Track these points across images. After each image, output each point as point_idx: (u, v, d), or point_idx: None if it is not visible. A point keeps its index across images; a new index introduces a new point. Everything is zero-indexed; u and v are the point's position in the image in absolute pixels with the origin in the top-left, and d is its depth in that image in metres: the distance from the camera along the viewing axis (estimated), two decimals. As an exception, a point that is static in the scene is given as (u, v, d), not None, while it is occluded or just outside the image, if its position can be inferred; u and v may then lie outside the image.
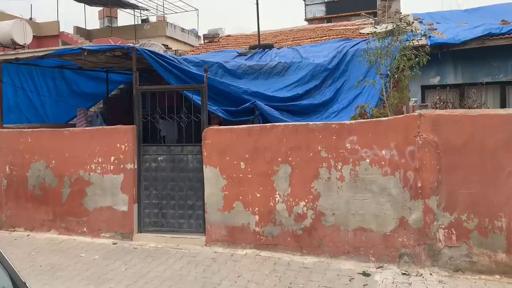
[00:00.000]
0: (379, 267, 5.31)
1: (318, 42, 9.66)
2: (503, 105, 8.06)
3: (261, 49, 9.30)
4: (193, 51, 11.90)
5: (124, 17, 61.32)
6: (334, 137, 5.64)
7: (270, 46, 9.49)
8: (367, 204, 5.47)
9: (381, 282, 4.90)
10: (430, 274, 5.07)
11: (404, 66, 6.28)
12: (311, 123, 5.90)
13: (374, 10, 11.69)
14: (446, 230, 5.13)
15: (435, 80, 8.24)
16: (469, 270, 5.04)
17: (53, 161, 7.18)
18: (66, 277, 5.32)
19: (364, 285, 4.85)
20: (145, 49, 6.97)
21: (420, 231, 5.23)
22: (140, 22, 24.73)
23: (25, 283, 2.04)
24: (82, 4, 23.25)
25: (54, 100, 9.26)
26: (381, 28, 7.23)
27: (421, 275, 5.04)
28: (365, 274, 5.13)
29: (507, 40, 7.50)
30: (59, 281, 5.20)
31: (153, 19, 25.98)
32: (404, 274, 5.10)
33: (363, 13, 11.79)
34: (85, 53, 7.16)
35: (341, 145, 5.60)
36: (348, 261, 5.51)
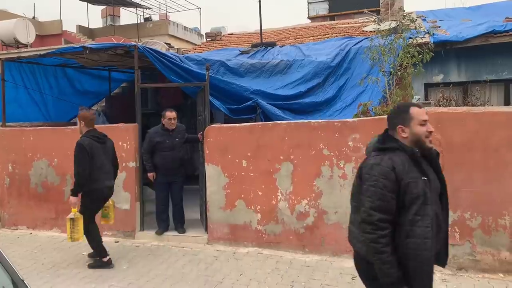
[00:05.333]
0: (381, 266, 5.27)
1: (320, 40, 9.59)
2: (507, 102, 8.01)
3: (264, 47, 9.25)
4: (195, 49, 11.87)
5: (127, 16, 61.48)
6: (336, 135, 5.60)
7: (272, 44, 9.44)
8: (369, 202, 5.42)
9: (383, 281, 4.87)
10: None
11: (408, 63, 6.24)
12: (313, 121, 5.86)
13: (377, 8, 11.61)
14: (449, 228, 5.07)
15: (439, 78, 8.19)
16: (472, 268, 5.01)
17: (55, 159, 7.18)
18: (67, 275, 5.32)
19: (366, 284, 4.82)
20: (147, 47, 6.94)
21: (423, 229, 5.18)
22: (142, 21, 24.72)
23: (23, 281, 2.03)
24: (85, 3, 23.28)
25: (56, 98, 9.24)
26: (384, 26, 7.19)
27: (424, 274, 5.01)
28: (368, 272, 5.09)
29: (511, 38, 7.45)
30: (61, 279, 5.20)
31: (155, 17, 25.98)
32: (407, 272, 5.06)
33: (366, 11, 11.68)
34: (87, 51, 7.16)
35: (343, 143, 5.56)
36: (351, 259, 5.44)
